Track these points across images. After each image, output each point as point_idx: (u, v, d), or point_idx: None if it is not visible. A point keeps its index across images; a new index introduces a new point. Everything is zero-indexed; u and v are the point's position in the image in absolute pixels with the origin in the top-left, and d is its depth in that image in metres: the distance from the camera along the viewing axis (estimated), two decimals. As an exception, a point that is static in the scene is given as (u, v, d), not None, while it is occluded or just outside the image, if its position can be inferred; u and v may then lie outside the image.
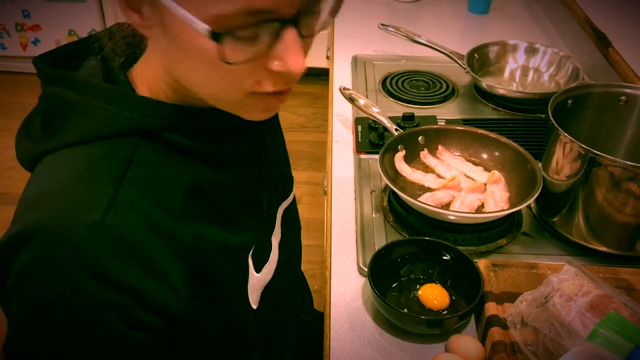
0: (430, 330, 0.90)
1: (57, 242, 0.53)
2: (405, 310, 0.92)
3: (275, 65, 0.55)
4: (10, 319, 0.59)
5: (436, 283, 0.97)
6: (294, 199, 0.83)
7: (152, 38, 0.58)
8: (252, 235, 0.70)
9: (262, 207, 0.72)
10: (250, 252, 0.69)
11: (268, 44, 0.53)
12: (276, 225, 0.77)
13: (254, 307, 0.71)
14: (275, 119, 0.85)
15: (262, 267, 0.72)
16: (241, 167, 0.68)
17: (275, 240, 0.76)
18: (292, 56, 0.54)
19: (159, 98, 0.62)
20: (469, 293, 0.92)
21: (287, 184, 0.81)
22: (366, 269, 0.95)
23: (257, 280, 0.71)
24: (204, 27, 0.49)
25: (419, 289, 0.95)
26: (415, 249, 0.99)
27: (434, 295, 0.93)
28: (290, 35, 0.53)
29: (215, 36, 0.50)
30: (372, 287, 0.89)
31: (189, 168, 0.62)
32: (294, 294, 0.90)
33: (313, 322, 1.04)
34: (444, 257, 0.98)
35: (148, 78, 0.62)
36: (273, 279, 0.74)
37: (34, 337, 0.56)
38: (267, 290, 0.73)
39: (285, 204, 0.80)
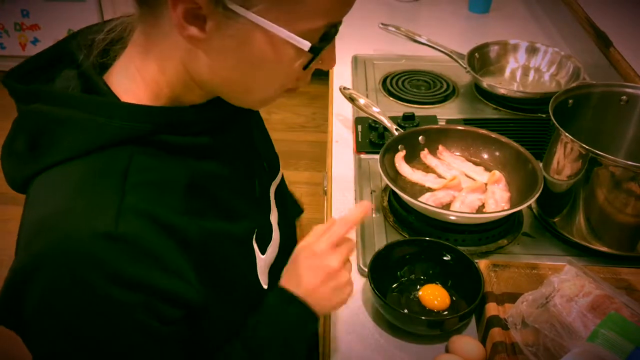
0: (431, 331, 0.89)
1: (73, 260, 0.54)
2: (406, 310, 0.91)
3: (318, 64, 0.63)
4: (38, 349, 0.59)
5: (436, 283, 0.96)
6: (282, 176, 0.85)
7: (198, 48, 0.58)
8: (252, 220, 0.71)
9: (254, 193, 0.74)
10: (254, 237, 0.71)
11: (323, 47, 0.60)
12: (272, 205, 0.79)
13: (265, 287, 0.73)
14: None
15: (267, 248, 0.74)
16: (232, 157, 0.69)
17: (274, 219, 0.78)
18: (332, 56, 0.64)
19: (157, 96, 0.62)
20: (469, 293, 0.92)
21: (273, 163, 0.82)
22: (366, 269, 0.95)
23: (264, 262, 0.73)
24: (305, 44, 0.56)
25: (419, 289, 0.95)
26: (415, 249, 0.98)
27: (434, 295, 0.93)
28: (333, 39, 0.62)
29: (314, 50, 0.58)
30: (372, 287, 0.89)
31: (184, 166, 0.63)
32: None
33: None
34: (445, 258, 0.98)
35: (148, 78, 0.62)
36: (277, 257, 0.77)
37: (74, 356, 0.57)
38: (273, 269, 0.76)
39: (275, 183, 0.82)
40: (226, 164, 0.68)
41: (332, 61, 0.64)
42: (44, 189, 0.58)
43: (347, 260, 0.75)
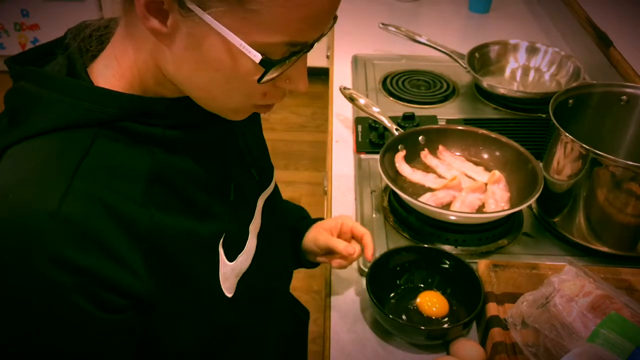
0: (432, 341, 0.89)
1: (13, 234, 0.54)
2: (404, 317, 0.91)
3: (286, 84, 0.63)
4: None
5: (434, 290, 0.96)
6: (275, 189, 0.85)
7: (162, 42, 0.59)
8: (222, 224, 0.70)
9: (229, 196, 0.73)
10: (221, 241, 0.70)
11: (288, 67, 0.59)
12: (255, 215, 0.78)
13: (229, 295, 0.72)
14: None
15: (237, 255, 0.73)
16: (207, 156, 0.69)
17: (254, 229, 0.77)
18: (301, 77, 0.62)
19: (132, 87, 0.63)
20: (469, 300, 0.91)
21: (265, 173, 0.82)
22: (366, 270, 0.94)
23: (230, 269, 0.72)
24: (256, 55, 0.56)
25: (417, 297, 0.95)
26: (414, 257, 0.98)
27: (432, 302, 0.92)
28: (302, 60, 0.61)
29: (266, 64, 0.56)
30: (371, 298, 0.88)
31: (149, 156, 0.63)
32: (284, 287, 0.92)
33: (301, 317, 1.04)
34: (444, 265, 0.97)
35: (124, 69, 0.63)
36: (251, 268, 0.75)
37: (3, 331, 0.57)
38: (245, 280, 0.74)
39: (265, 194, 0.81)
40: (199, 162, 0.67)
41: (302, 82, 0.62)
42: (8, 161, 0.59)
43: None
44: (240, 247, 0.74)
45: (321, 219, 1.00)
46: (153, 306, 0.62)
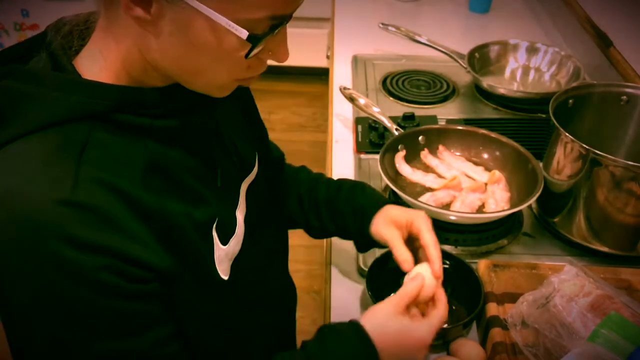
0: (432, 341, 0.89)
1: (33, 230, 0.55)
2: None
3: (268, 55, 0.64)
4: (14, 323, 0.60)
5: None
6: (258, 174, 0.85)
7: (146, 30, 0.60)
8: (213, 209, 0.72)
9: (216, 182, 0.74)
10: (214, 225, 0.72)
11: (270, 39, 0.60)
12: (240, 200, 0.79)
13: (225, 278, 0.73)
14: (246, 94, 0.88)
15: (229, 239, 0.74)
16: (192, 142, 0.70)
17: (240, 214, 0.78)
18: (283, 49, 0.64)
19: (118, 78, 0.64)
20: (469, 300, 0.91)
21: (246, 159, 0.82)
22: (366, 270, 0.94)
23: (224, 253, 0.73)
24: (243, 32, 0.57)
25: None
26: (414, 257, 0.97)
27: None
28: (283, 31, 0.62)
29: (253, 40, 0.58)
30: (371, 298, 0.88)
31: (141, 145, 0.64)
32: (279, 269, 0.93)
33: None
34: (444, 265, 0.96)
35: (110, 60, 0.64)
36: (242, 251, 0.77)
37: (41, 321, 0.58)
38: (237, 262, 0.76)
39: (249, 180, 0.82)
40: (187, 149, 0.69)
41: (283, 54, 0.64)
42: (3, 162, 0.60)
43: (435, 334, 0.75)
44: (231, 231, 0.75)
45: (390, 201, 0.91)
46: (173, 280, 0.64)
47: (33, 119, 0.60)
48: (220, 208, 0.73)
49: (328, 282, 1.02)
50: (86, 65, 0.64)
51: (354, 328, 0.72)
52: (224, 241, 0.73)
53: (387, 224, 0.87)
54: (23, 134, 0.60)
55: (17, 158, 0.59)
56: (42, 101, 0.60)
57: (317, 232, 0.97)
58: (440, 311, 0.76)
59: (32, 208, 0.56)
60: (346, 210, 0.91)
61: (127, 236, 0.59)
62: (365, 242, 0.91)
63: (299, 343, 0.76)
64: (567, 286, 0.84)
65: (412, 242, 0.85)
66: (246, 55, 0.60)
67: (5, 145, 0.60)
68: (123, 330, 0.61)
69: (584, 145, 0.97)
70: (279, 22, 0.59)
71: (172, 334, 0.66)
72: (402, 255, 0.82)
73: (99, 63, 0.64)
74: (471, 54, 1.55)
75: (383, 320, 0.74)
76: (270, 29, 0.59)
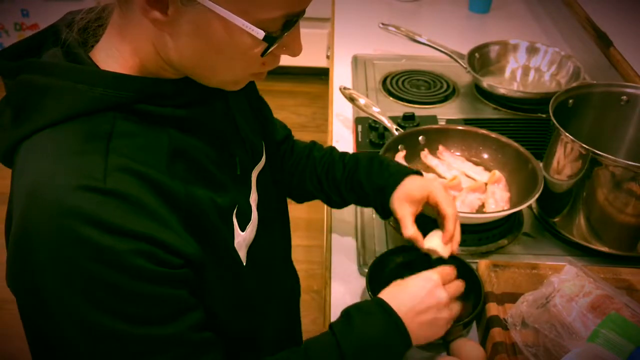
0: (432, 341, 0.89)
1: (68, 219, 0.56)
2: None
3: (283, 50, 0.65)
4: (49, 315, 0.60)
5: None
6: (265, 164, 0.87)
7: (163, 31, 0.61)
8: (234, 196, 0.73)
9: (235, 170, 0.76)
10: (234, 212, 0.73)
11: (284, 35, 0.62)
12: (252, 188, 0.81)
13: (244, 263, 0.75)
14: (251, 88, 0.89)
15: (246, 226, 0.76)
16: (211, 131, 0.71)
17: (253, 201, 0.80)
18: (297, 44, 0.65)
19: (136, 73, 0.65)
20: (469, 301, 0.91)
21: (256, 149, 0.84)
22: (366, 270, 0.94)
23: (242, 239, 0.75)
24: (259, 32, 0.58)
25: None
26: (414, 257, 0.97)
27: None
28: (297, 27, 0.63)
29: (269, 39, 0.59)
30: (371, 298, 0.88)
31: (165, 134, 0.65)
32: (285, 256, 0.95)
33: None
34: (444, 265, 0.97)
35: (125, 56, 0.65)
36: (256, 238, 0.79)
37: (75, 308, 0.59)
38: (252, 249, 0.77)
39: (258, 168, 0.84)
40: (207, 138, 0.70)
41: (297, 48, 0.66)
42: (31, 155, 0.60)
43: (454, 299, 0.82)
44: (248, 218, 0.77)
45: (412, 171, 0.93)
46: (202, 267, 0.65)
47: (57, 111, 0.61)
48: (240, 195, 0.75)
49: (328, 282, 1.02)
50: (103, 60, 0.65)
51: (379, 304, 0.77)
52: (242, 228, 0.75)
53: (401, 201, 0.90)
54: (49, 124, 0.60)
55: (45, 148, 0.60)
56: (66, 93, 0.61)
57: (339, 205, 1.01)
58: (459, 284, 0.84)
59: (64, 196, 0.56)
60: (367, 188, 0.93)
61: (158, 222, 0.60)
62: (387, 214, 0.94)
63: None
64: (567, 286, 0.84)
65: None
66: (262, 54, 0.61)
67: (31, 136, 0.61)
68: (159, 315, 0.61)
69: (584, 145, 0.97)
70: (293, 20, 0.61)
71: (204, 320, 0.67)
72: (408, 231, 0.88)
73: (115, 58, 0.65)
74: (471, 54, 1.55)
75: (406, 287, 0.80)
76: (284, 26, 0.60)
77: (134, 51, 0.64)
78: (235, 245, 0.73)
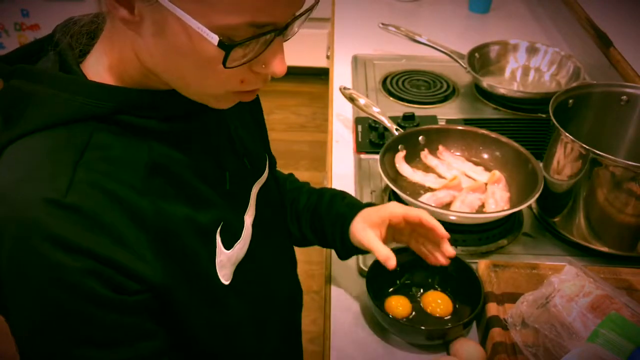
0: (432, 341, 0.89)
1: (22, 228, 0.55)
2: (405, 320, 0.90)
3: (262, 68, 0.61)
4: (10, 320, 0.61)
5: (437, 289, 0.96)
6: (269, 178, 0.85)
7: (134, 31, 0.60)
8: (219, 212, 0.71)
9: (224, 185, 0.74)
10: (219, 229, 0.71)
11: (259, 50, 0.58)
12: (250, 204, 0.79)
13: (225, 282, 0.72)
14: (256, 102, 0.87)
15: (234, 244, 0.74)
16: (199, 145, 0.70)
17: (249, 218, 0.78)
18: (278, 62, 0.60)
19: (122, 81, 0.64)
20: (469, 300, 0.91)
21: (257, 162, 0.82)
22: (366, 270, 0.94)
23: (227, 257, 0.72)
24: (214, 37, 0.54)
25: (419, 297, 0.94)
26: (414, 257, 0.97)
27: (436, 303, 0.93)
28: (277, 43, 0.59)
29: (224, 46, 0.55)
30: (371, 298, 0.88)
31: (145, 147, 0.64)
32: (284, 273, 0.92)
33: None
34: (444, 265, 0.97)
35: (113, 63, 0.64)
36: (247, 256, 0.76)
37: (23, 319, 0.59)
38: (241, 267, 0.75)
39: (259, 183, 0.82)
40: (194, 152, 0.68)
41: (278, 67, 0.60)
42: (6, 159, 0.60)
43: None
44: (237, 236, 0.74)
45: (370, 204, 0.91)
46: (168, 291, 0.63)
47: (36, 119, 0.60)
48: (227, 212, 0.73)
49: (328, 282, 1.02)
50: (92, 67, 0.64)
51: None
52: (228, 245, 0.72)
53: (363, 228, 0.86)
54: (27, 132, 0.60)
55: (18, 156, 0.60)
56: (48, 101, 0.60)
57: (298, 241, 0.98)
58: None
59: (23, 206, 0.56)
60: (326, 220, 0.91)
61: (117, 242, 0.58)
62: (346, 249, 0.91)
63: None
64: (567, 286, 0.84)
65: (400, 233, 0.89)
66: (223, 63, 0.57)
67: (11, 144, 0.60)
68: (99, 340, 0.60)
69: (584, 145, 0.97)
70: (264, 32, 0.56)
71: (160, 350, 0.64)
72: (381, 253, 0.82)
73: (102, 64, 0.64)
74: (471, 54, 1.55)
75: None
76: (252, 37, 0.56)
77: (119, 56, 0.63)
78: (217, 264, 0.70)
